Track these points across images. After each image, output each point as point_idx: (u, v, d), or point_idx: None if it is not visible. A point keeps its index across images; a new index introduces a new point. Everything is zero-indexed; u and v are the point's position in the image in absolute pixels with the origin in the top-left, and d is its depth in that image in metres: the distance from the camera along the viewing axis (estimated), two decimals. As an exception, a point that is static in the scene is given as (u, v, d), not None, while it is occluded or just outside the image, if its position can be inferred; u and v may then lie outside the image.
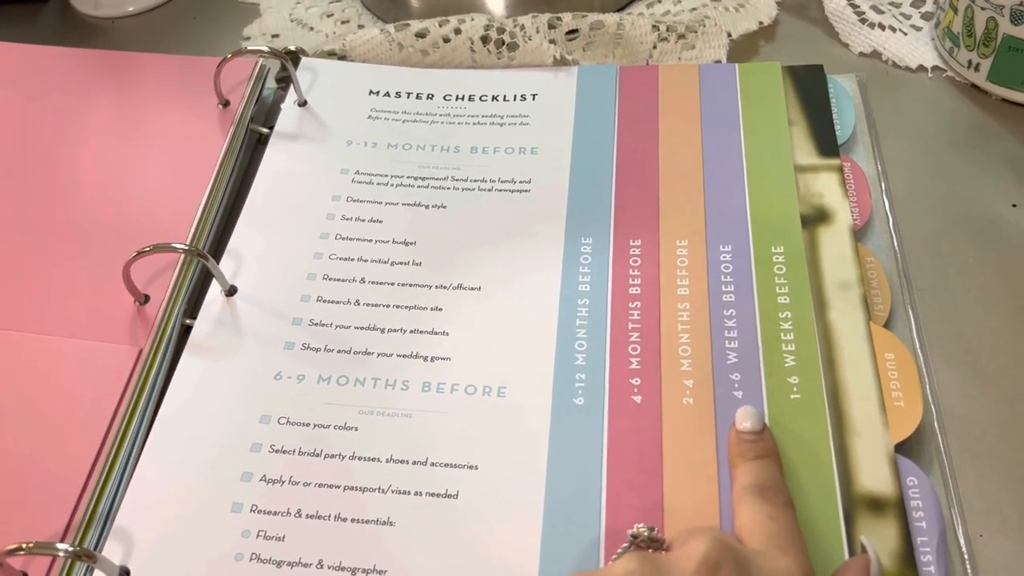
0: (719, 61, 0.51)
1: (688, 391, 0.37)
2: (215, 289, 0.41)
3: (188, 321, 0.41)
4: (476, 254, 0.42)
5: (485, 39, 0.51)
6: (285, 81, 0.53)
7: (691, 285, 0.40)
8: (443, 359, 0.39)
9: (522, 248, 0.42)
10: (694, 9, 0.53)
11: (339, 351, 0.39)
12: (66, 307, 0.41)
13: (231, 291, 0.41)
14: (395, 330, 0.40)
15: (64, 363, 0.39)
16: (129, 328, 0.41)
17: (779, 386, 0.37)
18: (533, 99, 0.49)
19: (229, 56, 0.48)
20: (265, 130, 0.50)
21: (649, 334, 0.39)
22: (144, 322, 0.41)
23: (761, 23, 0.53)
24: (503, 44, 0.51)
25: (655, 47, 0.51)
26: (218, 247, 0.45)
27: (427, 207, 0.44)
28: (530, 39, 0.50)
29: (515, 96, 0.49)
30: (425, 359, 0.39)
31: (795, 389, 0.37)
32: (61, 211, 0.45)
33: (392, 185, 0.45)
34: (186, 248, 0.39)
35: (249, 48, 0.48)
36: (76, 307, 0.41)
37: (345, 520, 0.34)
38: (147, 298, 0.41)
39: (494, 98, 0.49)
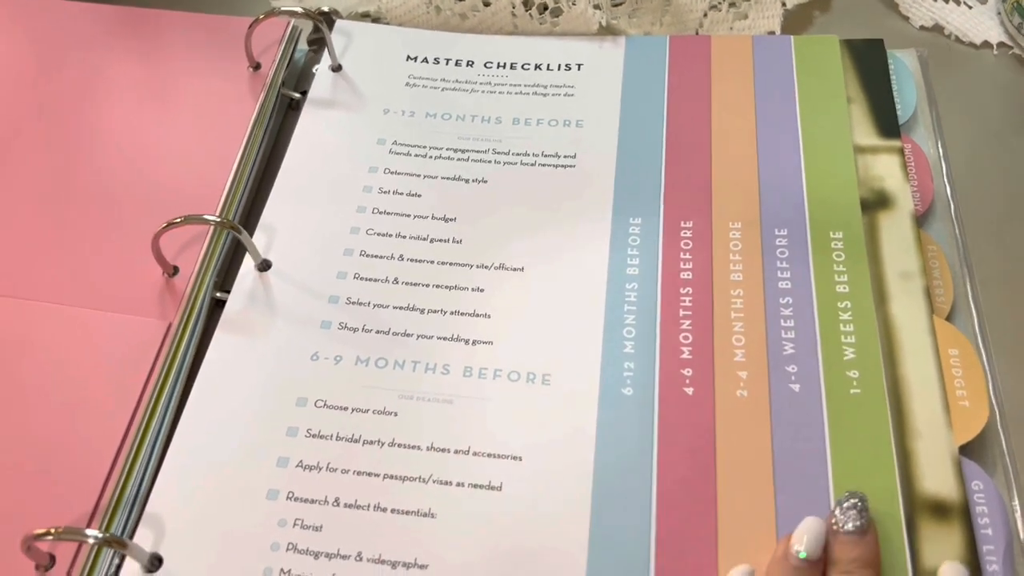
0: (772, 33, 0.48)
1: (742, 383, 0.35)
2: (247, 263, 0.39)
3: (219, 294, 0.40)
4: (519, 233, 0.40)
5: (527, 3, 0.49)
6: (318, 44, 0.51)
7: (745, 271, 0.38)
8: (485, 343, 0.37)
9: (567, 227, 0.40)
10: (747, -24, 0.51)
11: (377, 331, 0.37)
12: (91, 277, 0.40)
13: (264, 266, 0.39)
14: (435, 311, 0.38)
15: (89, 336, 0.38)
16: (158, 301, 0.39)
17: (838, 380, 0.35)
18: (578, 69, 0.47)
19: (261, 17, 0.46)
20: (297, 95, 0.48)
21: (701, 322, 0.37)
22: (173, 295, 0.39)
23: (817, -8, 0.50)
24: (546, 9, 0.49)
25: (705, 16, 0.49)
26: (249, 218, 0.43)
27: (467, 181, 0.43)
28: (574, 4, 0.48)
29: (559, 65, 0.47)
30: (466, 342, 0.37)
31: (855, 384, 0.35)
32: (85, 176, 0.43)
33: (431, 157, 0.43)
34: (218, 220, 0.38)
35: (282, 9, 0.46)
36: (102, 278, 0.40)
37: (385, 511, 0.33)
38: (176, 270, 0.40)
39: (537, 67, 0.47)
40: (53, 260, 0.40)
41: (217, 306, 0.40)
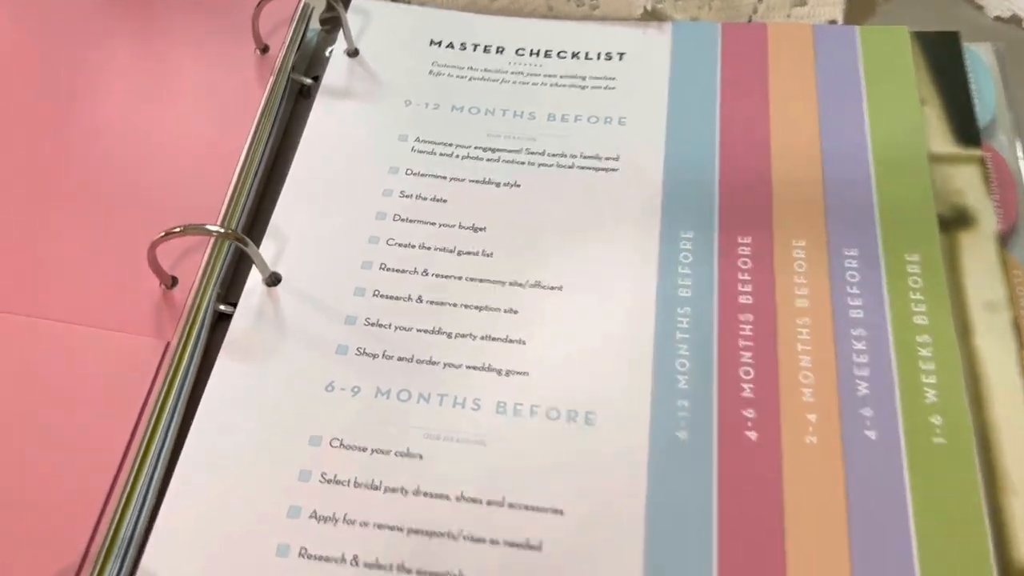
0: (834, 21, 0.44)
1: (811, 427, 0.31)
2: (255, 276, 0.35)
3: (222, 307, 0.36)
4: (556, 245, 0.36)
5: (565, -16, 0.44)
6: (331, 23, 0.46)
7: (811, 296, 0.34)
8: (520, 374, 0.33)
9: (610, 240, 0.36)
10: (805, -43, 0.46)
11: (399, 358, 0.33)
12: (79, 288, 0.36)
13: (273, 279, 0.35)
14: (464, 335, 0.34)
15: (76, 356, 0.34)
16: (154, 316, 0.35)
17: (919, 427, 0.31)
18: (620, 59, 0.42)
19: (271, -6, 0.41)
20: (308, 80, 0.43)
21: (764, 355, 0.33)
22: (172, 309, 0.35)
23: (882, -23, 0.46)
24: (585, -9, 0.44)
25: (761, 1, 0.44)
26: (255, 221, 0.39)
27: (498, 185, 0.38)
28: (617, -14, 0.43)
29: (599, 54, 0.43)
30: (499, 373, 0.33)
31: (938, 431, 0.31)
32: (73, 175, 0.39)
33: (458, 157, 0.39)
34: (221, 231, 0.33)
35: (295, -14, 0.41)
36: (92, 289, 0.36)
37: (410, 572, 0.29)
38: (175, 281, 0.36)
39: (574, 55, 0.43)
40: (36, 269, 0.36)
41: (220, 320, 0.36)
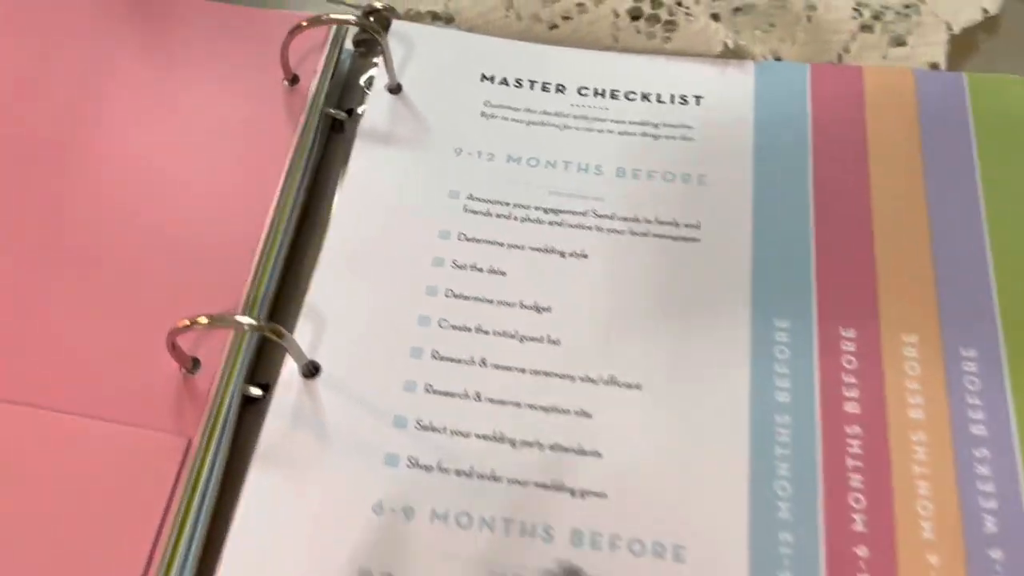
0: (936, 66, 0.39)
1: (933, 571, 0.27)
2: (290, 364, 0.31)
3: (250, 389, 0.31)
4: (632, 332, 0.32)
5: (635, 13, 0.39)
6: (365, 44, 0.41)
7: (926, 405, 0.30)
8: (597, 495, 0.29)
9: (694, 326, 0.32)
10: (901, -13, 0.41)
11: (457, 472, 0.29)
12: (88, 372, 0.31)
13: (310, 370, 0.31)
14: (530, 443, 0.30)
15: (87, 456, 0.29)
16: (174, 407, 0.31)
17: (1059, 575, 0.27)
18: (697, 103, 0.37)
19: (304, 25, 0.36)
20: (343, 115, 0.38)
21: (876, 478, 0.29)
22: (194, 399, 0.31)
23: (986, 11, 0.41)
24: (658, 21, 0.39)
25: (854, 38, 0.39)
26: (284, 283, 0.34)
27: (563, 255, 0.34)
28: (694, 18, 0.38)
29: (672, 97, 0.38)
30: (572, 493, 0.29)
31: (1080, 582, 0.27)
32: (76, 232, 0.34)
33: (516, 219, 0.34)
34: (255, 324, 0.29)
35: (331, 17, 0.36)
36: (101, 373, 0.31)
37: None
38: (196, 364, 0.31)
39: (645, 97, 0.38)
40: (34, 348, 0.31)
41: (247, 404, 0.32)
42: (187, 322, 0.29)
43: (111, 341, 0.32)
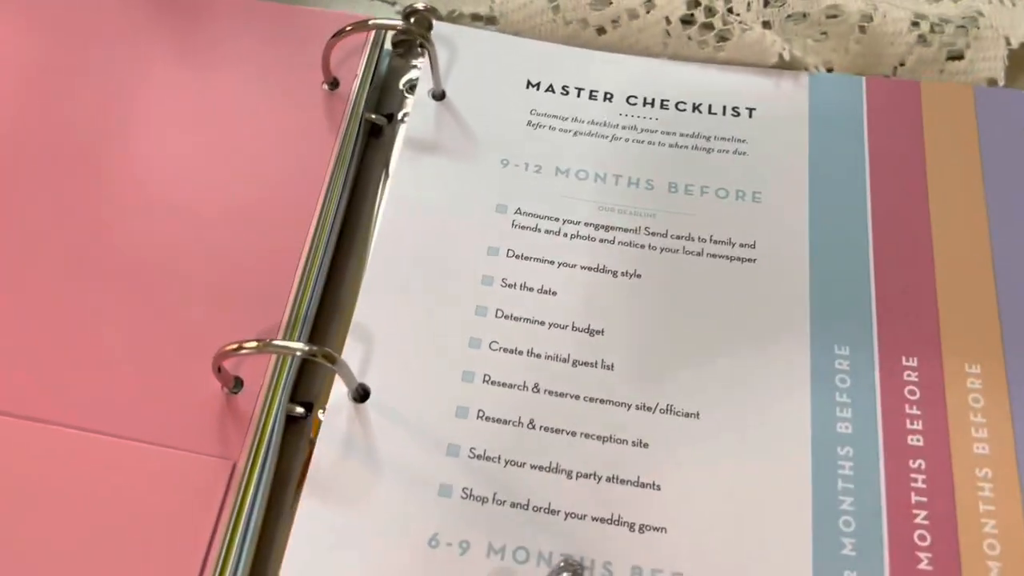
0: (994, 82, 0.38)
1: (1001, 614, 0.27)
2: (339, 387, 0.30)
3: (294, 408, 0.30)
4: (688, 357, 0.31)
5: (688, 20, 0.38)
6: (404, 45, 0.40)
7: (991, 440, 0.29)
8: (656, 530, 0.28)
9: (752, 351, 0.31)
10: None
11: (512, 504, 0.28)
12: (127, 392, 0.30)
13: (361, 394, 0.30)
14: (587, 475, 0.29)
15: (127, 481, 0.28)
16: (217, 429, 0.30)
17: None
18: (749, 115, 0.36)
19: (348, 29, 0.34)
20: (382, 120, 0.37)
21: (941, 515, 0.28)
22: (237, 420, 0.30)
23: (1044, 24, 0.40)
24: (710, 29, 0.38)
25: (910, 51, 0.38)
26: (324, 298, 0.33)
27: (615, 275, 0.33)
28: (748, 27, 0.37)
29: (724, 108, 0.37)
30: (631, 528, 0.28)
31: None
32: (114, 245, 0.33)
33: (566, 236, 0.33)
34: (306, 349, 0.28)
35: (378, 23, 0.35)
36: (141, 393, 0.30)
37: None
38: (239, 383, 0.30)
39: (696, 108, 0.37)
40: (70, 367, 0.30)
41: (289, 423, 0.31)
42: (234, 346, 0.27)
43: (151, 360, 0.31)
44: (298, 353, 0.28)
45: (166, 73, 0.37)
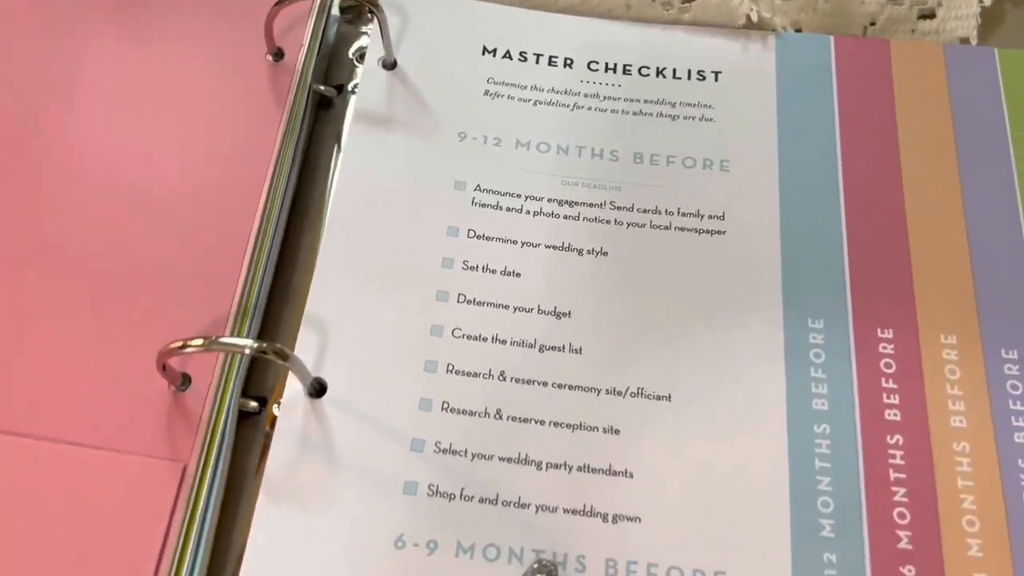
0: (966, 41, 0.36)
1: (982, 591, 0.26)
2: (294, 382, 0.28)
3: (247, 403, 0.29)
4: (658, 337, 0.30)
5: (649, -19, 0.36)
6: (352, 13, 0.38)
7: (968, 413, 0.29)
8: (630, 520, 0.27)
9: (723, 328, 0.30)
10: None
11: (481, 500, 0.27)
12: (69, 393, 0.28)
13: (317, 389, 0.28)
14: (556, 465, 0.28)
15: (74, 488, 0.27)
16: (165, 429, 0.28)
17: (1110, 593, 0.26)
18: (716, 79, 0.35)
19: (290, -5, 0.32)
20: (331, 91, 0.35)
21: (920, 492, 0.27)
22: (186, 419, 0.28)
23: (1014, -22, 0.38)
24: (673, -11, 0.36)
25: (881, 11, 0.36)
26: (275, 284, 0.31)
27: (580, 253, 0.31)
28: (712, -14, 0.35)
29: (689, 72, 0.35)
30: (604, 518, 0.27)
31: None
32: (50, 232, 0.31)
33: (529, 213, 0.32)
34: (255, 346, 0.26)
35: (323, -13, 0.32)
36: (84, 393, 0.28)
37: None
38: (187, 380, 0.28)
39: (660, 73, 0.35)
40: (11, 371, 0.28)
41: (242, 418, 0.29)
42: (179, 344, 0.26)
43: (91, 356, 0.29)
44: (247, 351, 0.26)
45: (102, 47, 0.34)
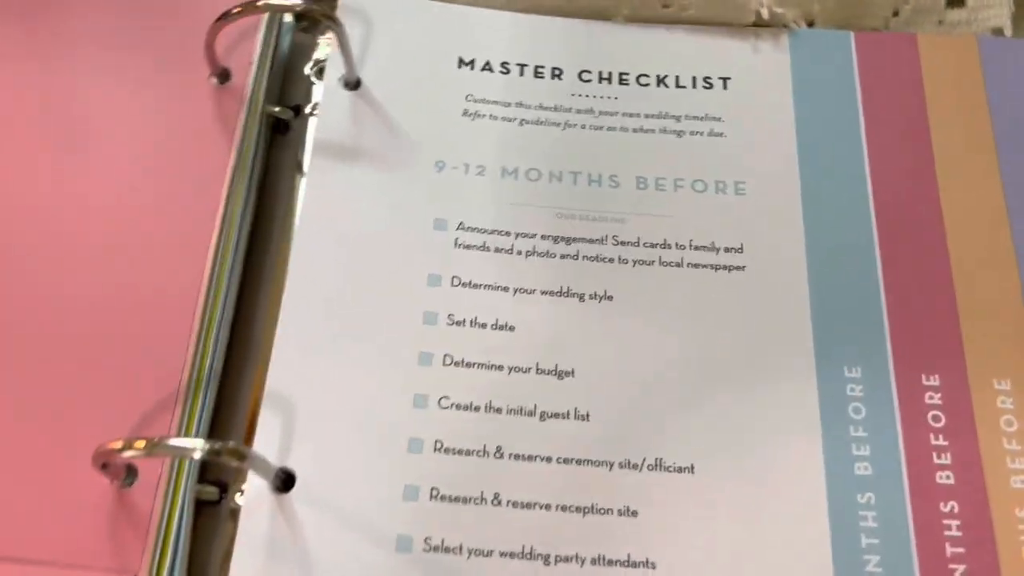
0: (1000, 31, 0.32)
1: None
2: (255, 478, 0.24)
3: (205, 490, 0.25)
4: (674, 396, 0.26)
5: (644, -25, 0.32)
6: (308, 19, 0.33)
7: (1030, 470, 0.25)
8: (656, 620, 0.23)
9: (750, 385, 0.26)
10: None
11: (481, 606, 0.23)
12: (-9, 497, 0.24)
13: (283, 482, 0.24)
14: (567, 559, 0.24)
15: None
16: (108, 534, 0.24)
17: None
18: (724, 86, 0.31)
19: (236, 12, 0.28)
20: (287, 113, 0.31)
21: (981, 570, 0.24)
22: (133, 520, 0.24)
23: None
24: (672, -16, 0.32)
25: (907, 1, 0.32)
26: (232, 345, 0.27)
27: (581, 298, 0.27)
28: (716, -21, 0.31)
29: (694, 80, 0.31)
30: (626, 620, 0.23)
31: None
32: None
33: (520, 253, 0.28)
34: (210, 448, 0.22)
35: (268, 3, 0.28)
36: (13, 500, 0.24)
37: None
38: (132, 473, 0.24)
39: (661, 81, 0.31)
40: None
41: (201, 509, 0.25)
42: (119, 445, 0.22)
43: (17, 454, 0.25)
44: (196, 455, 0.22)
45: (12, 74, 0.30)
